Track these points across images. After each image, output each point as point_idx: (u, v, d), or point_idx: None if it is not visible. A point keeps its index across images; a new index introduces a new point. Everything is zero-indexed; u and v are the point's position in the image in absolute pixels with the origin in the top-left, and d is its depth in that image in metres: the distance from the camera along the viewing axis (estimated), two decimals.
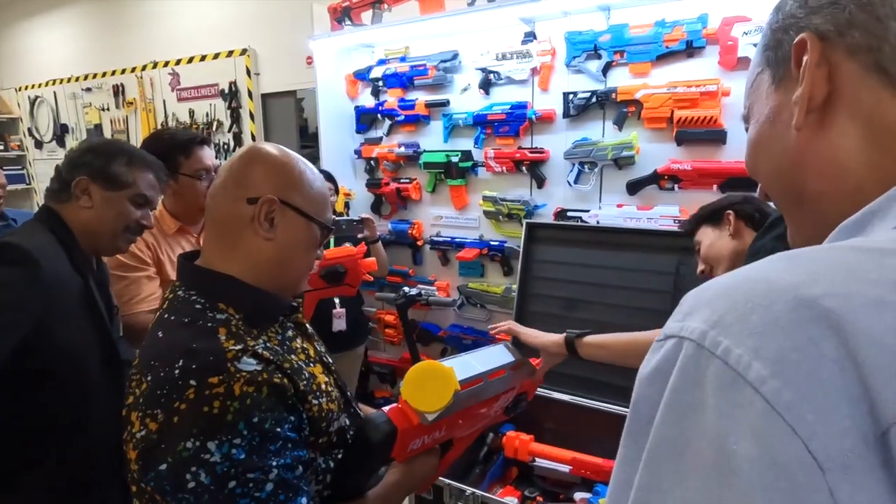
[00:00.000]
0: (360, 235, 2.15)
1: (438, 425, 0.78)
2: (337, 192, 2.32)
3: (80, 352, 1.12)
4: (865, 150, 0.36)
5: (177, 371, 0.64)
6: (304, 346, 0.81)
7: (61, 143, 4.58)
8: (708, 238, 1.33)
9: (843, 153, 0.37)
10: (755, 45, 1.61)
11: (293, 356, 0.75)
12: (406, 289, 1.89)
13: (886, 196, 0.33)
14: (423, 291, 1.93)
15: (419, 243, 2.46)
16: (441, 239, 2.38)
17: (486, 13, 1.92)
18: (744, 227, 1.26)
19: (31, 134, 4.80)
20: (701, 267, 1.36)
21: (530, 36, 1.99)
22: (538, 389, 1.86)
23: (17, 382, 1.05)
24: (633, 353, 1.08)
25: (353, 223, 2.06)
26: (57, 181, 1.18)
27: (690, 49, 1.73)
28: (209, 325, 0.69)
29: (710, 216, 1.34)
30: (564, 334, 1.06)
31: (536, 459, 1.67)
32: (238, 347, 0.67)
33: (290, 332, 0.80)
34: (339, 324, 1.96)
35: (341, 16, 2.24)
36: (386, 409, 0.76)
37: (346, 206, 2.53)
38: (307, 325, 0.87)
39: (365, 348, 2.43)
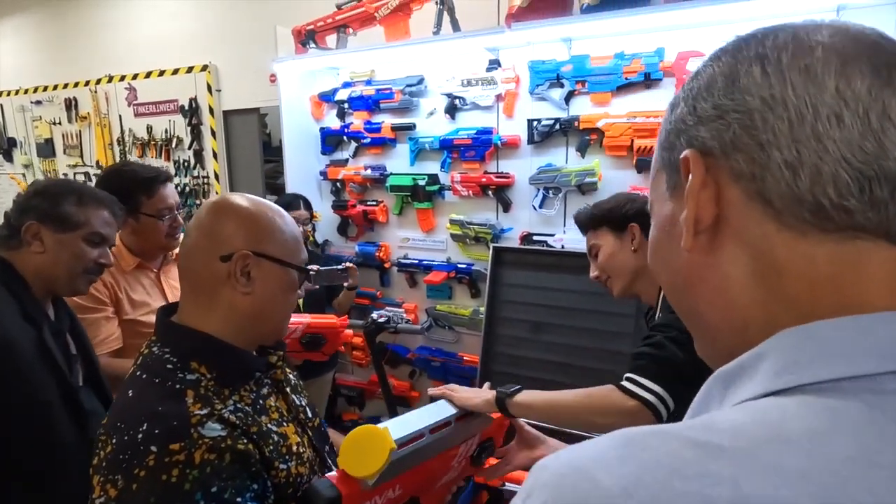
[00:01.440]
0: (345, 284, 2.14)
1: (389, 485, 0.78)
2: (311, 217, 2.30)
3: (40, 405, 1.07)
4: (753, 286, 0.34)
5: (140, 436, 0.63)
6: (278, 404, 0.80)
7: (8, 158, 4.37)
8: (609, 246, 1.23)
9: (732, 285, 0.35)
10: None
11: (264, 417, 0.74)
12: (374, 315, 1.88)
13: (755, 352, 0.32)
14: (391, 318, 1.92)
15: (386, 265, 2.45)
16: (408, 261, 2.38)
17: (451, 42, 1.94)
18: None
19: None
20: (595, 273, 1.27)
21: (495, 64, 2.03)
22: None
23: None
24: (555, 416, 1.06)
25: (338, 272, 2.07)
26: (6, 228, 1.13)
27: (648, 81, 1.79)
28: (178, 386, 0.68)
29: (612, 220, 1.23)
30: (495, 393, 1.02)
31: (507, 484, 1.67)
32: (203, 412, 0.66)
33: (265, 390, 0.79)
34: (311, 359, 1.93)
35: (305, 39, 2.22)
36: (331, 473, 0.75)
37: (313, 228, 2.50)
38: (287, 379, 0.85)
39: (333, 372, 2.40)
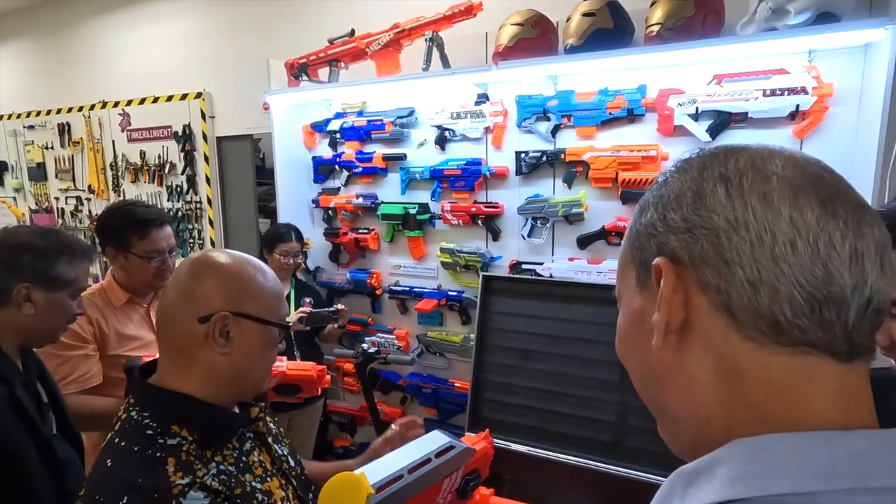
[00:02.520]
0: (335, 326, 2.18)
1: None
2: (303, 247, 2.33)
3: (16, 462, 1.07)
4: (717, 386, 0.37)
5: None
6: (262, 458, 0.81)
7: None
8: None
9: (696, 385, 0.38)
10: (689, 115, 1.74)
11: (248, 475, 0.75)
12: (364, 346, 1.89)
13: (713, 457, 0.36)
14: (381, 346, 1.94)
15: (378, 292, 2.47)
16: (400, 288, 2.41)
17: (440, 77, 1.99)
18: None
19: None
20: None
21: (483, 98, 2.08)
22: (498, 441, 1.90)
23: None
24: None
25: (328, 315, 2.12)
26: None
27: (632, 116, 1.85)
28: (158, 454, 0.68)
29: None
30: None
31: None
32: (185, 481, 0.66)
33: (248, 445, 0.79)
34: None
35: (298, 72, 2.27)
36: None
37: (305, 255, 2.53)
38: (269, 429, 0.86)
39: (325, 399, 2.41)
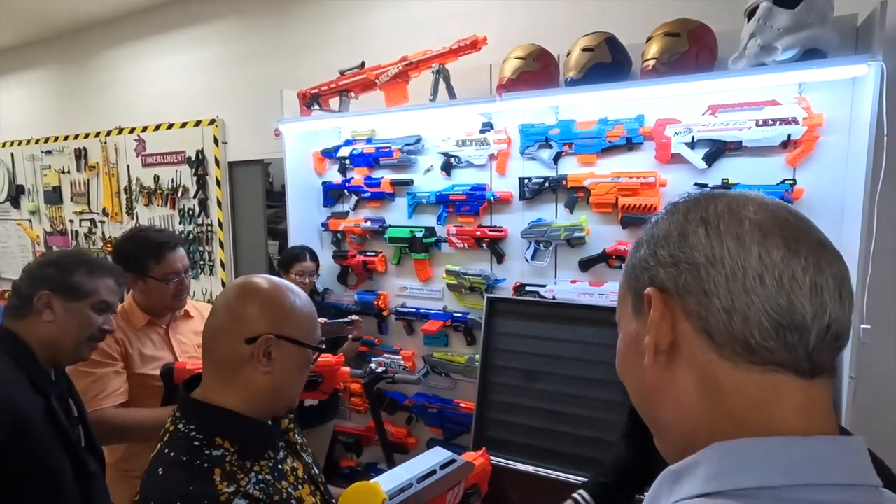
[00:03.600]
0: (350, 336, 2.24)
1: None
2: (318, 268, 2.41)
3: (51, 473, 1.12)
4: (701, 398, 0.43)
5: None
6: (295, 465, 0.87)
7: (15, 204, 4.48)
8: None
9: (683, 398, 0.44)
10: (685, 143, 1.81)
11: (284, 482, 0.81)
12: (372, 366, 1.94)
13: (694, 459, 0.42)
14: (389, 366, 1.99)
15: (385, 313, 2.53)
16: (406, 309, 2.46)
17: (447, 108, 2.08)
18: None
19: None
20: None
21: (488, 126, 2.17)
22: (502, 460, 1.93)
23: None
24: None
25: (344, 325, 2.17)
26: (16, 297, 1.18)
27: (630, 144, 1.93)
28: (205, 465, 0.74)
29: None
30: None
31: None
32: (231, 490, 0.72)
33: (281, 454, 0.86)
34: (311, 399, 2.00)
35: (310, 101, 2.37)
36: None
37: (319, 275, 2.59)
38: (297, 441, 0.93)
39: (334, 421, 2.44)
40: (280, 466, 0.83)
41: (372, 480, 0.85)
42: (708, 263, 0.42)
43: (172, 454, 0.76)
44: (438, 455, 1.07)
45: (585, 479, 1.11)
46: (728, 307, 0.41)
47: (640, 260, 0.47)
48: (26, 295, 1.17)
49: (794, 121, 1.67)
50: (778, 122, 1.69)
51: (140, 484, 0.77)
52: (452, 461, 1.07)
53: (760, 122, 1.71)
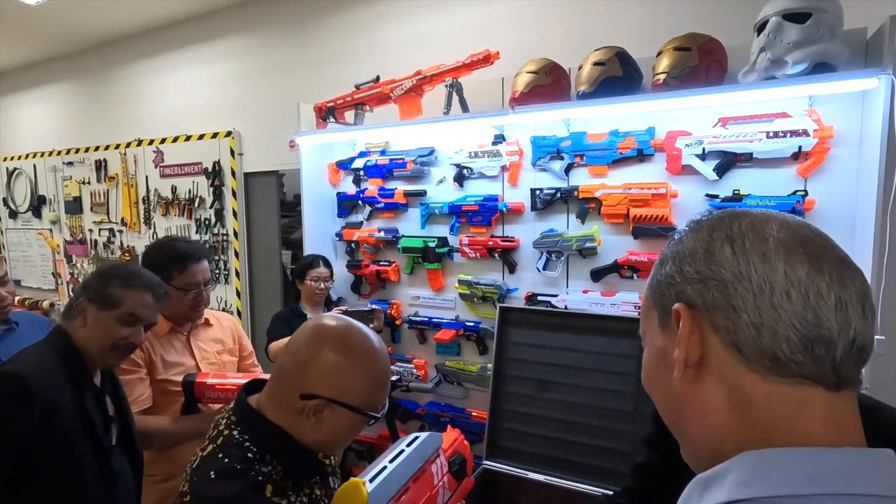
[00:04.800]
0: (371, 326, 2.27)
1: None
2: (332, 276, 2.45)
3: (74, 465, 1.17)
4: (729, 411, 0.44)
5: None
6: (321, 493, 0.89)
7: (37, 214, 4.59)
8: None
9: (711, 411, 0.45)
10: (696, 154, 1.83)
11: None
12: None
13: (724, 466, 0.43)
14: (403, 376, 2.02)
15: (398, 322, 2.56)
16: (419, 319, 2.49)
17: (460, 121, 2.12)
18: None
19: (6, 204, 4.80)
20: None
21: (500, 138, 2.20)
22: (515, 470, 1.95)
23: (16, 487, 1.11)
24: None
25: (363, 313, 2.21)
26: (70, 301, 1.27)
27: (641, 156, 1.95)
28: (259, 479, 0.76)
29: None
30: None
31: None
32: (283, 502, 0.76)
33: (314, 479, 0.88)
34: None
35: (326, 114, 2.42)
36: None
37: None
38: (330, 467, 0.95)
39: None
40: (314, 494, 0.86)
41: (358, 477, 0.91)
42: (735, 280, 0.44)
43: (227, 460, 0.76)
44: (407, 438, 1.15)
45: (608, 493, 1.13)
46: (756, 322, 0.43)
47: (666, 276, 0.49)
48: (73, 298, 1.26)
49: (805, 133, 1.68)
50: (789, 135, 1.71)
51: (188, 484, 0.78)
52: (417, 438, 1.15)
53: (771, 134, 1.73)
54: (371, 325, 2.28)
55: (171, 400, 1.55)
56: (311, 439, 0.81)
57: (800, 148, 1.71)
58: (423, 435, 1.15)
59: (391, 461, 1.02)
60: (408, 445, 1.10)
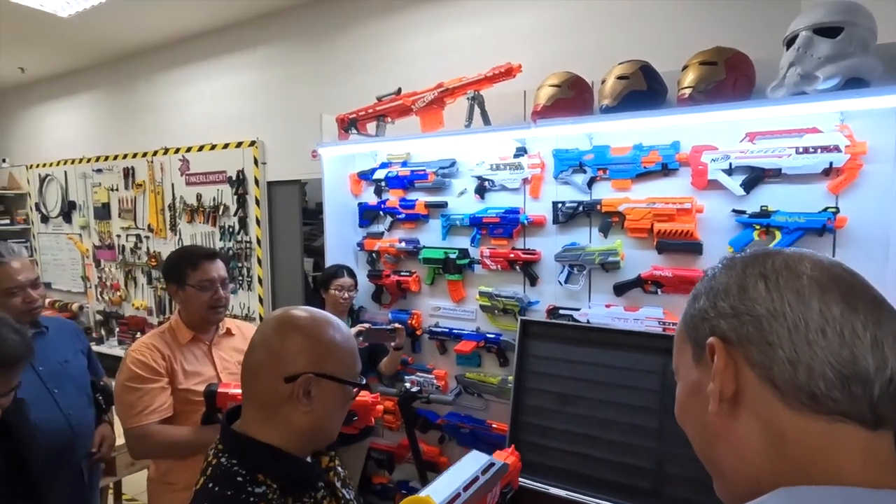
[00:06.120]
0: (391, 345, 2.30)
1: None
2: (356, 285, 2.47)
3: None
4: (764, 447, 0.44)
5: None
6: None
7: (67, 219, 4.72)
8: None
9: (746, 446, 0.45)
10: (723, 169, 1.79)
11: None
12: (407, 385, 1.98)
13: (760, 500, 0.43)
14: (423, 386, 2.02)
15: (418, 332, 2.57)
16: (439, 329, 2.49)
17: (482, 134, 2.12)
18: None
19: (38, 209, 4.95)
20: None
21: (521, 151, 2.20)
22: (536, 484, 1.94)
23: None
24: None
25: (386, 332, 2.22)
26: None
27: (666, 170, 1.93)
28: (251, 500, 0.75)
29: None
30: None
31: None
32: None
33: (320, 493, 0.87)
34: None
35: (348, 125, 2.45)
36: None
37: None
38: (338, 473, 0.95)
39: (370, 439, 2.49)
40: None
41: (423, 492, 0.89)
42: (770, 316, 0.44)
43: (217, 489, 0.76)
44: (478, 460, 1.12)
45: None
46: (792, 358, 0.43)
47: (700, 311, 0.50)
48: None
49: (836, 149, 1.64)
50: (819, 150, 1.67)
51: None
52: (492, 465, 1.12)
53: (801, 150, 1.69)
54: (392, 344, 2.31)
55: (192, 409, 1.57)
56: (307, 425, 0.80)
57: (831, 164, 1.67)
58: (498, 465, 1.13)
59: (465, 489, 0.98)
60: (482, 472, 1.07)
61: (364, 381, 0.87)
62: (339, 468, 0.97)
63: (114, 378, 1.65)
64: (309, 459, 0.88)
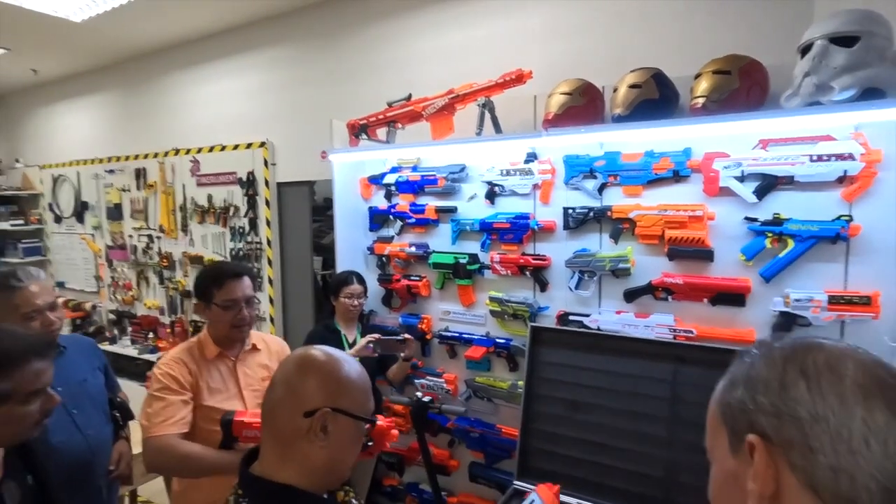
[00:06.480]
0: (401, 355, 2.31)
1: None
2: (366, 292, 2.49)
3: None
4: None
5: None
6: None
7: (80, 219, 4.77)
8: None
9: None
10: (735, 177, 1.78)
11: None
12: (419, 394, 1.99)
13: None
14: (430, 389, 2.03)
15: (428, 336, 2.58)
16: (449, 334, 2.50)
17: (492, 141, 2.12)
18: None
19: (51, 209, 5.01)
20: None
21: (532, 156, 2.19)
22: (569, 498, 1.95)
23: None
24: None
25: (396, 342, 2.23)
26: None
27: (677, 177, 1.92)
28: None
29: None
30: None
31: None
32: None
33: None
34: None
35: (359, 131, 2.45)
36: None
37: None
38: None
39: None
40: None
41: None
42: (812, 420, 0.44)
43: None
44: None
45: None
46: (834, 466, 0.43)
47: (738, 401, 0.50)
48: None
49: (851, 157, 1.63)
50: (833, 158, 1.65)
51: None
52: None
53: (814, 158, 1.68)
54: (402, 354, 2.32)
55: (211, 428, 1.55)
56: (323, 460, 0.83)
57: (845, 172, 1.65)
58: None
59: None
60: None
61: (376, 418, 0.92)
62: (354, 501, 0.99)
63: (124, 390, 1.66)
64: (325, 496, 0.90)
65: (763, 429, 0.47)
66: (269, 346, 1.82)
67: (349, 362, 0.90)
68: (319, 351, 0.90)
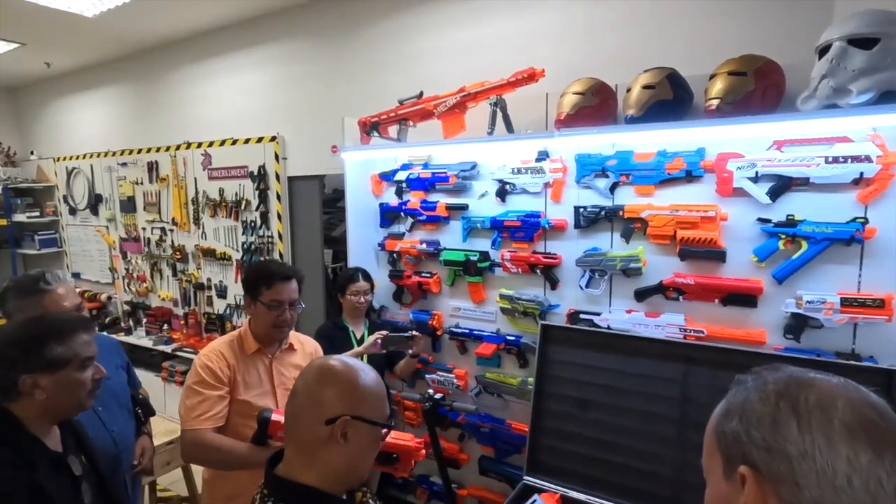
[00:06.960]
0: (409, 352, 2.33)
1: None
2: (372, 288, 2.51)
3: None
4: None
5: None
6: None
7: (94, 212, 4.83)
8: None
9: None
10: (749, 177, 1.77)
11: None
12: (431, 391, 2.02)
13: None
14: (441, 384, 2.05)
15: (438, 332, 2.60)
16: (460, 330, 2.53)
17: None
18: None
19: (66, 201, 5.07)
20: None
21: (543, 155, 2.19)
22: (556, 487, 1.97)
23: None
24: None
25: (404, 339, 2.25)
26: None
27: (690, 177, 1.91)
28: None
29: None
30: None
31: None
32: None
33: None
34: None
35: (370, 129, 2.46)
36: None
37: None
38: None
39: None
40: None
41: None
42: (800, 457, 0.47)
43: None
44: None
45: None
46: (818, 500, 0.46)
47: (733, 433, 0.53)
48: (10, 384, 1.15)
49: (868, 159, 1.61)
50: (849, 160, 1.64)
51: None
52: None
53: (830, 159, 1.66)
54: (410, 351, 2.33)
55: (244, 422, 1.59)
56: (343, 465, 0.87)
57: (861, 174, 1.64)
58: None
59: None
60: None
61: (392, 424, 0.95)
62: (371, 501, 1.02)
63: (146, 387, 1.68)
64: (344, 497, 0.94)
65: (755, 462, 0.50)
66: (304, 347, 1.85)
67: (366, 371, 0.94)
68: (338, 361, 0.94)
